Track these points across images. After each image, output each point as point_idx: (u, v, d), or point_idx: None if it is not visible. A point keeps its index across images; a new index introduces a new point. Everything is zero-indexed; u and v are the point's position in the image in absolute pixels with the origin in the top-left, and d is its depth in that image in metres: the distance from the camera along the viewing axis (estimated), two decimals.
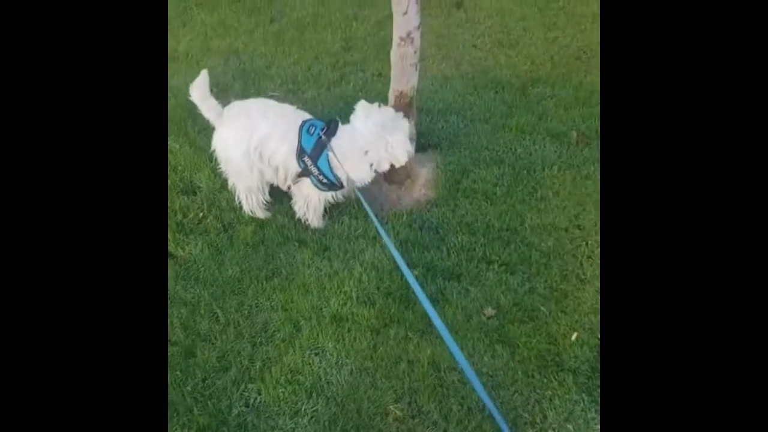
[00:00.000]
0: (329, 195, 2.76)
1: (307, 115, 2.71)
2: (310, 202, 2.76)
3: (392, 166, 2.70)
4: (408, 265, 2.51)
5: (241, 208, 2.86)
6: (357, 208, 2.90)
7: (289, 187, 2.80)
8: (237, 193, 2.81)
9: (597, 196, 2.94)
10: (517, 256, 2.69)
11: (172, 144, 3.33)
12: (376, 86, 3.86)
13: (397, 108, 2.88)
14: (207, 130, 2.94)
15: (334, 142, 2.58)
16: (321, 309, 2.45)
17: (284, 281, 2.57)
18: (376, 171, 2.70)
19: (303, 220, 2.82)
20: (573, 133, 3.42)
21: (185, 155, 3.25)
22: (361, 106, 2.67)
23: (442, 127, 3.48)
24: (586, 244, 2.74)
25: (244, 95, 3.59)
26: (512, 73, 4.01)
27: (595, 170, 3.13)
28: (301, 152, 2.59)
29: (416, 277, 2.52)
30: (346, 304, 2.46)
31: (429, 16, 4.62)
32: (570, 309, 2.46)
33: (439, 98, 3.69)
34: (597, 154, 3.23)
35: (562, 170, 3.15)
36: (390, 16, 4.07)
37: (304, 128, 2.59)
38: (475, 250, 2.72)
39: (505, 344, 2.30)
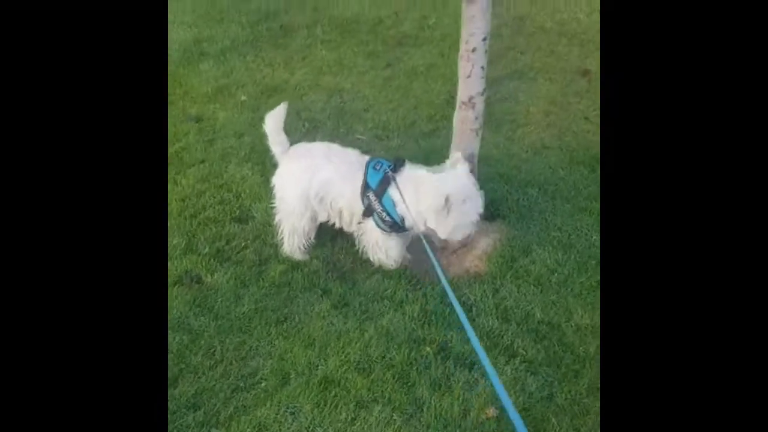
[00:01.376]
0: (395, 236, 2.72)
1: (369, 157, 2.73)
2: (378, 244, 2.76)
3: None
4: (422, 340, 2.41)
5: (280, 245, 2.87)
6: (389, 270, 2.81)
7: (353, 231, 2.84)
8: (281, 231, 2.83)
9: None
10: (546, 355, 2.45)
11: (246, 171, 3.47)
12: None
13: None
14: None
15: (400, 177, 2.58)
16: (317, 366, 2.39)
17: (292, 329, 2.55)
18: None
19: (376, 263, 2.83)
20: None
21: (252, 183, 3.38)
22: (456, 157, 2.61)
23: (519, 198, 3.30)
24: None
25: (333, 134, 3.71)
26: None
27: None
28: (365, 188, 2.59)
29: (425, 355, 2.39)
30: (342, 366, 2.39)
31: (548, 81, 4.45)
32: (585, 430, 2.17)
33: (528, 168, 3.52)
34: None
35: None
36: (510, 75, 4.02)
37: (371, 165, 2.61)
38: (502, 337, 2.52)
39: None
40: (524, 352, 2.47)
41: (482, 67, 2.46)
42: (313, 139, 3.60)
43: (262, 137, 3.76)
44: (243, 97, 4.28)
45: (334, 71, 4.64)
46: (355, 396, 2.28)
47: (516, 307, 2.67)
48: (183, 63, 4.79)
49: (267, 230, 3.10)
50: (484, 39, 2.40)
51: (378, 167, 2.59)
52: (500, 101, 4.23)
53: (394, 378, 2.35)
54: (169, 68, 4.72)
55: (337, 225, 2.83)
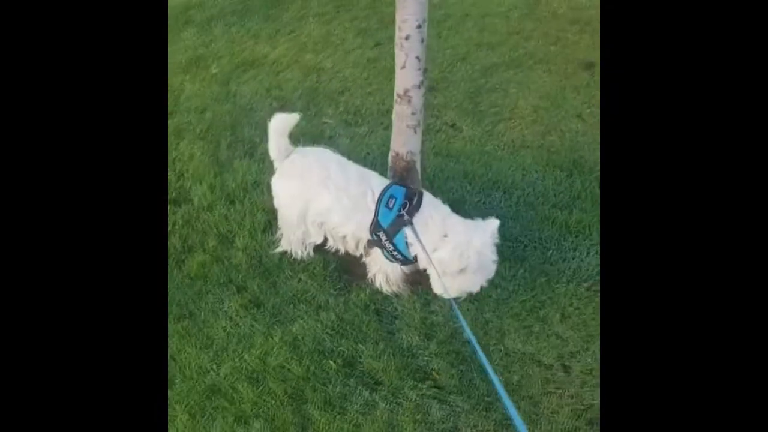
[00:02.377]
0: (404, 267, 2.53)
1: (374, 180, 2.47)
2: (388, 274, 2.55)
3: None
4: (330, 352, 2.26)
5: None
6: (317, 269, 2.66)
7: (361, 255, 2.63)
8: (280, 227, 2.71)
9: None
10: (460, 381, 2.26)
11: (196, 150, 3.33)
12: (443, 136, 3.53)
13: (393, 171, 2.57)
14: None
15: (417, 218, 2.34)
16: (207, 372, 2.25)
17: (193, 327, 2.41)
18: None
19: (376, 285, 2.61)
20: None
21: (198, 164, 3.29)
22: (493, 226, 2.35)
23: (480, 201, 3.06)
24: (562, 395, 2.20)
25: (302, 116, 3.51)
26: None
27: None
28: (376, 227, 2.37)
29: (327, 370, 2.23)
30: (233, 375, 2.24)
31: (547, 72, 4.15)
32: None
33: (498, 167, 3.27)
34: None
35: (591, 293, 2.57)
36: (507, 63, 3.77)
37: (383, 201, 2.35)
38: (417, 357, 2.33)
39: None
40: (437, 376, 2.27)
41: (417, 57, 2.22)
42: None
43: (226, 113, 3.64)
44: (214, 70, 4.11)
45: (319, 48, 4.43)
46: (238, 409, 2.12)
47: (444, 324, 2.47)
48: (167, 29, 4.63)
49: (201, 216, 2.95)
50: (419, 26, 2.16)
51: (391, 204, 2.34)
52: (489, 92, 3.97)
53: (285, 393, 2.19)
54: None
55: (341, 250, 2.62)
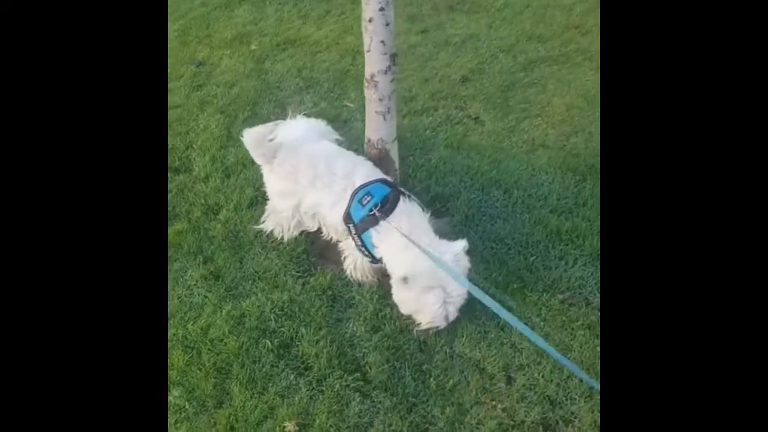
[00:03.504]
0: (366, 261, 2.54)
1: (359, 174, 2.45)
2: (356, 263, 2.57)
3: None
4: (271, 332, 2.41)
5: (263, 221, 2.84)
6: (287, 249, 2.72)
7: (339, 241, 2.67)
8: (268, 212, 2.79)
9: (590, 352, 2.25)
10: (389, 378, 2.24)
11: (212, 122, 3.46)
12: (461, 129, 3.48)
13: (368, 157, 2.56)
14: None
15: (387, 221, 2.33)
16: (177, 333, 2.34)
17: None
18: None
19: (348, 273, 2.60)
20: None
21: (209, 136, 3.39)
22: (462, 245, 2.29)
23: (475, 198, 2.97)
24: (495, 407, 2.13)
25: (324, 95, 3.59)
26: None
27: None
28: (347, 218, 2.40)
29: (262, 348, 2.28)
30: (171, 340, 2.32)
31: (594, 69, 3.93)
32: None
33: (507, 166, 3.16)
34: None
35: (565, 306, 2.45)
36: (555, 58, 3.65)
37: (357, 196, 2.37)
38: (355, 347, 2.32)
39: None
40: (368, 369, 2.24)
41: (382, 42, 2.18)
42: (301, 101, 3.52)
43: (252, 89, 3.75)
44: (253, 47, 4.23)
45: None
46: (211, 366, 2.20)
47: (396, 317, 2.42)
48: (221, 6, 4.83)
49: (195, 186, 3.07)
50: (382, 9, 2.12)
51: (365, 201, 2.35)
52: (524, 86, 3.82)
53: (214, 365, 2.24)
54: (208, 10, 4.79)
55: (333, 238, 2.66)
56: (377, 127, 2.41)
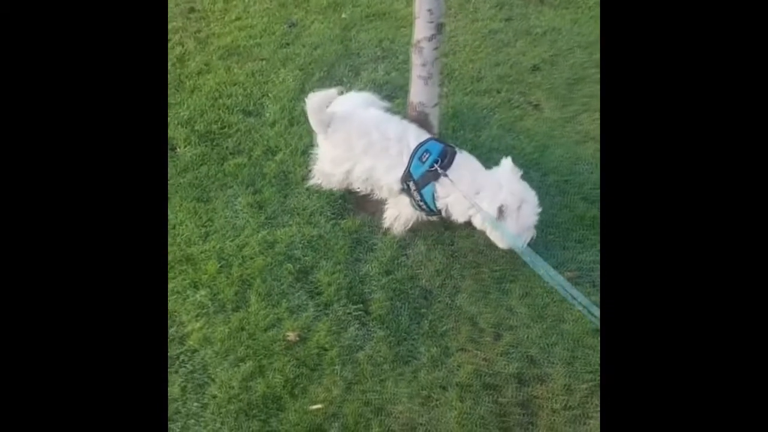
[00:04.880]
0: (422, 215, 2.81)
1: (412, 135, 2.63)
2: (401, 217, 2.83)
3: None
4: (294, 259, 2.68)
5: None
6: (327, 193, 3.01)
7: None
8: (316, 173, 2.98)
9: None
10: (388, 313, 2.47)
11: (289, 76, 3.79)
12: (518, 113, 3.64)
13: (411, 119, 2.81)
14: None
15: (450, 173, 2.52)
16: (191, 243, 2.72)
17: (201, 208, 2.89)
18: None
19: (386, 224, 2.83)
20: None
21: (284, 88, 3.71)
22: (508, 162, 2.59)
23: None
24: (477, 355, 2.34)
25: (396, 66, 3.83)
26: None
27: None
28: (407, 176, 2.56)
29: (284, 270, 2.58)
30: (208, 251, 2.67)
31: None
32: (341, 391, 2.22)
33: (552, 152, 3.31)
34: None
35: (572, 284, 2.59)
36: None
37: (417, 155, 2.54)
38: (365, 284, 2.58)
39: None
40: (371, 303, 2.49)
41: (429, 10, 2.40)
42: (375, 68, 3.79)
43: (333, 53, 4.06)
44: (344, 15, 4.53)
45: (451, 12, 4.63)
46: (195, 276, 2.55)
47: (409, 265, 2.66)
48: None
49: (261, 130, 3.41)
50: None
51: (425, 158, 2.52)
52: (594, 82, 3.92)
53: (240, 277, 2.57)
54: None
55: (381, 197, 2.86)
56: (418, 91, 2.63)
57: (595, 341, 2.34)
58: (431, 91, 2.64)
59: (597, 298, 2.52)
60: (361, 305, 2.48)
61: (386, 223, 2.81)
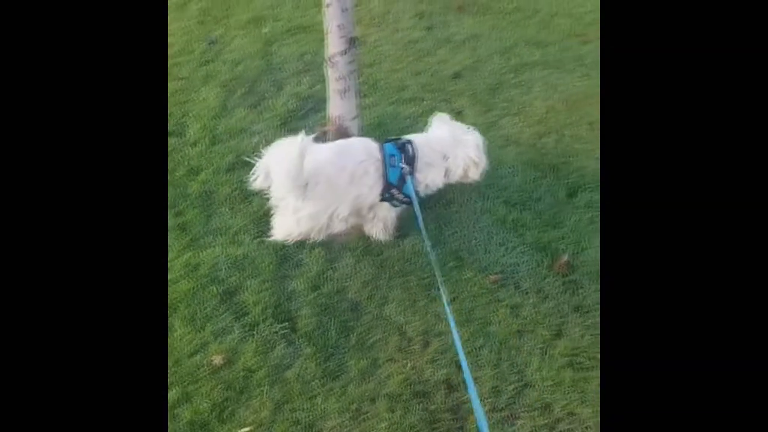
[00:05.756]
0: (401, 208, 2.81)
1: (371, 152, 2.60)
2: (387, 224, 2.82)
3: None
4: (221, 280, 2.57)
5: None
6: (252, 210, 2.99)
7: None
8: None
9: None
10: (315, 328, 2.44)
11: (211, 95, 3.73)
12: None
13: (332, 132, 2.80)
14: None
15: (420, 159, 2.64)
16: None
17: None
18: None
19: (376, 238, 2.84)
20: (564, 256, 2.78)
21: (205, 107, 3.65)
22: (438, 118, 2.81)
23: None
24: (405, 364, 2.34)
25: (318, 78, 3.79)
26: None
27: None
28: (387, 185, 2.60)
29: (209, 294, 2.52)
30: None
31: (584, 76, 4.07)
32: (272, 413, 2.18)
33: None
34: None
35: (495, 286, 2.64)
36: (547, 63, 3.82)
37: (387, 162, 2.58)
38: (291, 301, 2.54)
39: None
40: (297, 321, 2.46)
41: (339, 26, 2.40)
42: (299, 82, 3.76)
43: (255, 68, 4.02)
44: (265, 30, 4.50)
45: (372, 23, 4.68)
46: None
47: (336, 279, 2.65)
48: None
49: (183, 150, 3.35)
50: None
51: (393, 162, 2.57)
52: (511, 87, 4.00)
53: None
54: None
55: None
56: (337, 105, 2.64)
57: (520, 342, 2.39)
58: (349, 104, 2.64)
59: (521, 299, 2.57)
60: (288, 323, 2.46)
61: (375, 235, 2.83)
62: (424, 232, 2.37)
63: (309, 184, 2.40)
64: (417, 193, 2.63)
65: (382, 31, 4.61)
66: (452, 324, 1.93)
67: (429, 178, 2.72)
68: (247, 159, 2.63)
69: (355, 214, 2.68)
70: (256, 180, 2.50)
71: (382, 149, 2.59)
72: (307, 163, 2.34)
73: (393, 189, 2.59)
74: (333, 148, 2.59)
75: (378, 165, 2.56)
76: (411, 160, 2.60)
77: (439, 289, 2.58)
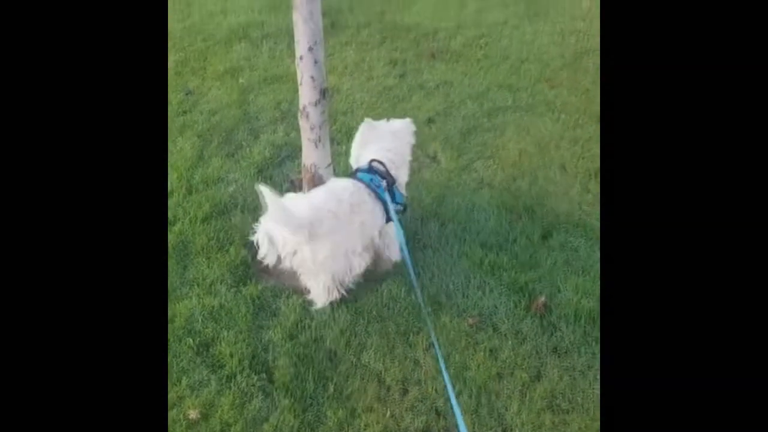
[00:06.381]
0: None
1: (362, 189, 2.70)
2: (395, 243, 2.88)
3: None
4: (196, 332, 2.53)
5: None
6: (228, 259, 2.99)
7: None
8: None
9: None
10: (293, 378, 2.41)
11: (187, 145, 3.74)
12: (416, 165, 3.73)
13: (306, 180, 2.81)
14: None
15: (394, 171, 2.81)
16: None
17: None
18: None
19: (393, 263, 2.93)
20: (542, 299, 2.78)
21: (181, 157, 3.65)
22: (366, 126, 2.89)
23: (412, 227, 3.18)
24: (384, 413, 2.31)
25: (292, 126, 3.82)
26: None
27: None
28: (384, 205, 2.73)
29: (185, 347, 2.48)
30: None
31: (555, 120, 4.15)
32: None
33: (450, 201, 3.38)
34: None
35: (473, 329, 2.63)
36: (518, 107, 3.89)
37: (381, 193, 2.71)
38: (268, 351, 2.51)
39: None
40: (274, 371, 2.42)
41: (311, 77, 2.44)
42: (275, 130, 3.79)
43: (231, 117, 4.05)
44: (241, 80, 4.55)
45: (346, 72, 4.74)
46: None
47: (313, 327, 2.62)
48: (222, 42, 5.19)
49: None
50: (311, 48, 2.38)
51: (377, 184, 2.71)
52: (484, 131, 4.06)
53: None
54: (208, 45, 5.16)
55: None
56: (310, 153, 2.65)
57: (499, 385, 2.37)
58: (323, 153, 2.67)
59: (499, 341, 2.56)
60: (265, 374, 2.42)
61: (395, 258, 2.90)
62: (406, 252, 2.47)
63: (314, 224, 2.45)
64: (404, 198, 2.86)
65: (356, 79, 4.67)
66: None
67: (402, 176, 2.91)
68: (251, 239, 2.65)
69: (369, 246, 2.74)
70: (265, 252, 2.53)
71: (360, 179, 2.67)
72: (305, 209, 2.46)
73: (389, 204, 2.68)
74: (322, 190, 2.68)
75: (367, 191, 2.65)
76: (386, 174, 2.72)
77: (418, 334, 2.57)
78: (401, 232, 2.62)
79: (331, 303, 2.70)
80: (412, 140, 3.03)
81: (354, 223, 2.61)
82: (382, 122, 2.98)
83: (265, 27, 5.47)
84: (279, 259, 2.55)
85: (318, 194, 2.64)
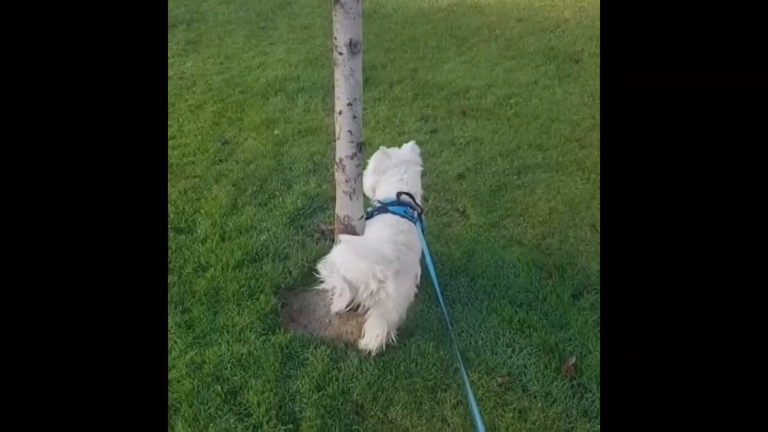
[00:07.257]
0: None
1: (402, 226, 2.73)
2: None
3: None
4: (224, 379, 2.52)
5: None
6: (258, 307, 3.00)
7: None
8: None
9: None
10: (319, 430, 2.37)
11: (222, 193, 3.81)
12: (446, 219, 3.80)
13: (338, 231, 2.84)
14: None
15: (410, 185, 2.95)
16: None
17: None
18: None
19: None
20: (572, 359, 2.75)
21: (216, 204, 3.71)
22: (379, 156, 3.06)
23: (442, 282, 3.18)
24: None
25: (324, 176, 3.88)
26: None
27: None
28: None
29: (212, 394, 2.49)
30: None
31: (585, 180, 4.16)
32: None
33: (479, 258, 3.38)
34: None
35: (502, 389, 2.59)
36: (548, 165, 3.93)
37: (417, 225, 2.77)
38: (296, 402, 2.50)
39: None
40: (300, 421, 2.41)
41: (349, 131, 2.49)
42: (307, 181, 3.85)
43: (266, 167, 4.13)
44: (276, 131, 4.65)
45: (378, 127, 4.83)
46: None
47: (341, 379, 2.61)
48: (258, 95, 5.33)
49: (192, 246, 3.38)
50: (350, 104, 2.44)
51: (412, 216, 2.79)
52: (514, 188, 4.07)
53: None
54: (245, 98, 5.31)
55: None
56: (344, 205, 2.68)
57: None
58: (356, 205, 2.69)
59: (528, 402, 2.51)
60: (292, 425, 2.40)
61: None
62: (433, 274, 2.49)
63: (400, 258, 2.50)
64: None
65: (388, 134, 4.75)
66: (478, 418, 1.89)
67: (418, 201, 2.95)
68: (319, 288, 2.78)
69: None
70: (339, 299, 2.58)
71: (394, 212, 2.73)
72: (385, 245, 2.52)
73: (421, 235, 2.73)
74: (382, 224, 2.73)
75: (406, 220, 2.72)
76: (415, 205, 2.83)
77: (446, 391, 2.53)
78: (432, 263, 2.62)
79: (359, 356, 2.68)
80: (420, 164, 3.14)
81: (418, 248, 2.70)
82: (394, 149, 3.11)
83: (300, 81, 5.61)
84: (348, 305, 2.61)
85: (382, 229, 2.68)
